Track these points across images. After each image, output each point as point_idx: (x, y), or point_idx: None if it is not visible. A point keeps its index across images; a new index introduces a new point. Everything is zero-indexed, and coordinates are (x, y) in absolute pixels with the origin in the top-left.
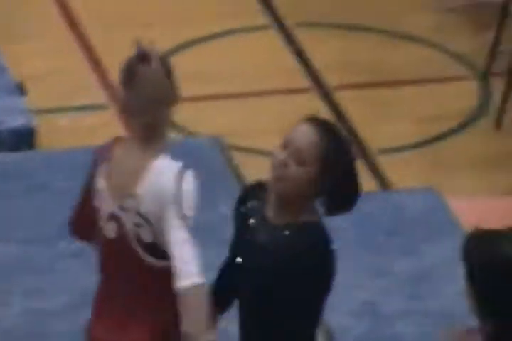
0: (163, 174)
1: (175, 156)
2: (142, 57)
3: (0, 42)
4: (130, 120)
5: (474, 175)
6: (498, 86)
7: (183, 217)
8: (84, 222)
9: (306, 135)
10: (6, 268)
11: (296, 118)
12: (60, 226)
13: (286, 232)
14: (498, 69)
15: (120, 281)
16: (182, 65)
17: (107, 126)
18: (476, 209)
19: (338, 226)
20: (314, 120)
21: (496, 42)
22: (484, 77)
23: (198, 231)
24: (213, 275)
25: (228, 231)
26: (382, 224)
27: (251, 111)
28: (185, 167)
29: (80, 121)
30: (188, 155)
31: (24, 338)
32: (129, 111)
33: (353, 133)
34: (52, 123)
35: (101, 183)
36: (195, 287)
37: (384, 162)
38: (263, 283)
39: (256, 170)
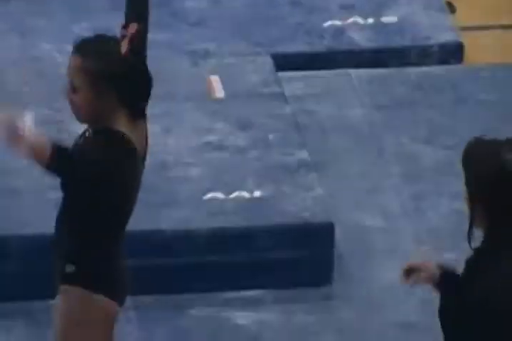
0: None
1: None
2: None
3: None
4: None
5: None
6: None
7: None
8: None
9: (69, 64)
10: (435, 172)
11: None
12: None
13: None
14: None
15: None
16: None
17: None
18: None
19: None
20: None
21: None
22: None
23: None
24: None
25: None
26: None
27: None
28: None
29: (504, 39)
30: None
31: (450, 237)
32: None
33: None
34: (476, 40)
35: None
36: None
37: None
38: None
39: None
